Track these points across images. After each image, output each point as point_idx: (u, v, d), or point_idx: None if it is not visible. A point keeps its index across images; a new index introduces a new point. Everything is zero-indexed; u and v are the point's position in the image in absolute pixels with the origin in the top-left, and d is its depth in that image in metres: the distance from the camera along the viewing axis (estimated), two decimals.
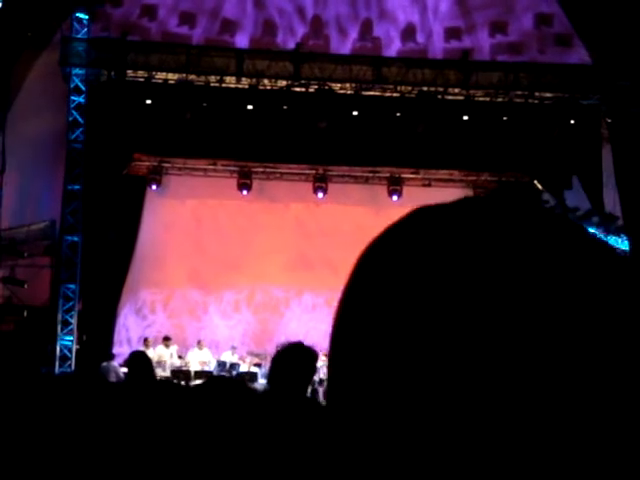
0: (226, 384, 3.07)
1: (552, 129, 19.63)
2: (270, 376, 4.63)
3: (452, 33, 21.52)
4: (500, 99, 19.90)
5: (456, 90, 19.82)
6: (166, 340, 19.74)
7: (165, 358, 19.27)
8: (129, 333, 21.40)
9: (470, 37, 21.43)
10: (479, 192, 22.15)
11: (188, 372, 18.49)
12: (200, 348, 19.88)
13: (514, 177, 21.46)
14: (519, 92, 19.80)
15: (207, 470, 2.42)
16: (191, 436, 2.53)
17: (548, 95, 19.84)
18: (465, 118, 19.74)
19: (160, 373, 17.81)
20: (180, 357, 19.84)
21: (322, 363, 19.07)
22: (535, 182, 20.80)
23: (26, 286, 19.23)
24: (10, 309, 19.06)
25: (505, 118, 19.79)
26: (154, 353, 18.87)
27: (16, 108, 19.60)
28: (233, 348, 20.23)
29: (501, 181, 21.77)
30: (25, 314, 19.15)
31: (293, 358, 4.53)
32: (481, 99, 19.94)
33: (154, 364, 18.01)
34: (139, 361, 6.46)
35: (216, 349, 20.70)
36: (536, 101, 19.91)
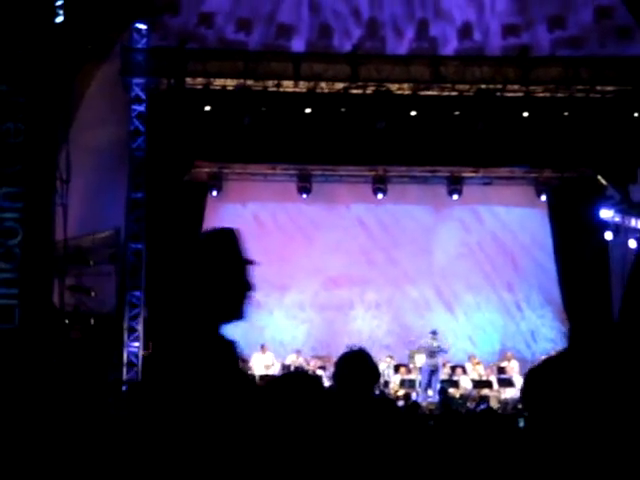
0: (302, 380, 3.08)
1: (614, 123, 19.28)
2: (336, 381, 4.63)
3: (510, 30, 21.29)
4: (560, 94, 19.63)
5: (515, 87, 19.61)
6: None
7: None
8: None
9: (528, 33, 21.18)
10: (541, 189, 21.88)
11: (253, 376, 18.58)
12: (263, 352, 19.96)
13: (577, 173, 21.16)
14: (580, 87, 19.50)
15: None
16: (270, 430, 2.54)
17: (610, 88, 19.51)
18: (525, 115, 19.51)
19: None
20: (243, 360, 19.94)
21: (386, 365, 19.15)
22: (599, 177, 20.47)
23: (93, 294, 19.50)
24: (77, 317, 19.33)
25: (566, 113, 19.52)
26: None
27: (79, 120, 19.89)
28: (298, 352, 20.30)
29: (563, 177, 21.48)
30: (92, 322, 19.41)
31: (355, 366, 4.50)
32: (541, 95, 19.70)
33: None
34: None
35: (281, 349, 20.79)
36: (598, 95, 19.59)
